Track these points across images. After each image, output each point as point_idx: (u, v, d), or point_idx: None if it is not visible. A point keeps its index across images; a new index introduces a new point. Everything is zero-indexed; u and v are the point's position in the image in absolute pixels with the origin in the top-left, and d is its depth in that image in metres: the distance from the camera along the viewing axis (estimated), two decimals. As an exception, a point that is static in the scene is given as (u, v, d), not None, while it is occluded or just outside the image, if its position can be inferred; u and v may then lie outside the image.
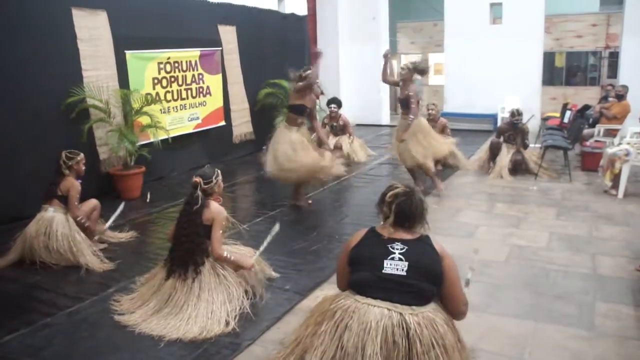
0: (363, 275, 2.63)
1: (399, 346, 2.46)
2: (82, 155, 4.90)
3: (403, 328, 2.49)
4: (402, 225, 2.69)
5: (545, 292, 4.04)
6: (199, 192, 3.72)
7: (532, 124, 11.20)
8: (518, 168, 7.78)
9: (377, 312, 2.53)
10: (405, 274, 2.57)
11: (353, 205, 6.63)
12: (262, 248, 4.07)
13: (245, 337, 3.42)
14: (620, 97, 8.94)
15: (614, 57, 14.50)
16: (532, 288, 4.11)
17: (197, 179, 3.75)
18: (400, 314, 2.52)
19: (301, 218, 5.94)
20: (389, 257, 2.60)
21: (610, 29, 14.60)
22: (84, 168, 4.92)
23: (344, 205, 6.67)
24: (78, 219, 4.74)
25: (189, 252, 3.67)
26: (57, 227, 4.60)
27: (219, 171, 3.94)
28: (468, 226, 5.61)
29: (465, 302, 2.73)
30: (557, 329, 3.48)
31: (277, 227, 4.07)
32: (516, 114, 7.87)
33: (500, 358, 3.15)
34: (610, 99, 9.80)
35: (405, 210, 2.67)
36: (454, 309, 2.69)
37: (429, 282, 2.60)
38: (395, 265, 2.58)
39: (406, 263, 2.58)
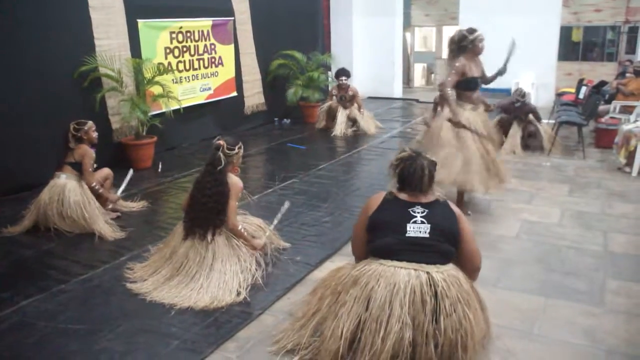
0: (387, 241, 2.71)
1: (427, 305, 2.54)
2: (90, 122, 4.88)
3: (431, 286, 2.58)
4: (405, 189, 2.80)
5: (556, 268, 4.04)
6: (221, 154, 3.71)
7: (546, 99, 11.11)
8: (531, 142, 7.71)
9: (404, 274, 2.62)
10: (428, 235, 2.67)
11: (364, 177, 6.59)
12: (272, 226, 4.11)
13: (256, 306, 3.46)
14: (638, 73, 8.77)
15: (634, 32, 14.21)
16: (542, 264, 4.11)
17: (221, 141, 3.74)
18: (427, 272, 2.62)
19: (312, 190, 5.94)
20: (412, 221, 2.70)
21: (630, 3, 14.25)
22: (95, 135, 4.91)
23: (354, 177, 6.64)
24: (92, 185, 4.79)
25: (212, 212, 3.66)
26: (69, 194, 4.63)
27: (242, 144, 3.92)
28: (480, 201, 5.58)
29: (481, 257, 2.87)
30: (567, 304, 3.49)
31: (287, 205, 4.10)
32: (519, 95, 7.74)
33: (509, 332, 3.16)
34: (627, 74, 9.64)
35: (405, 174, 2.78)
36: (473, 265, 2.83)
37: (449, 242, 2.72)
38: (418, 228, 2.69)
39: (428, 225, 2.69)
